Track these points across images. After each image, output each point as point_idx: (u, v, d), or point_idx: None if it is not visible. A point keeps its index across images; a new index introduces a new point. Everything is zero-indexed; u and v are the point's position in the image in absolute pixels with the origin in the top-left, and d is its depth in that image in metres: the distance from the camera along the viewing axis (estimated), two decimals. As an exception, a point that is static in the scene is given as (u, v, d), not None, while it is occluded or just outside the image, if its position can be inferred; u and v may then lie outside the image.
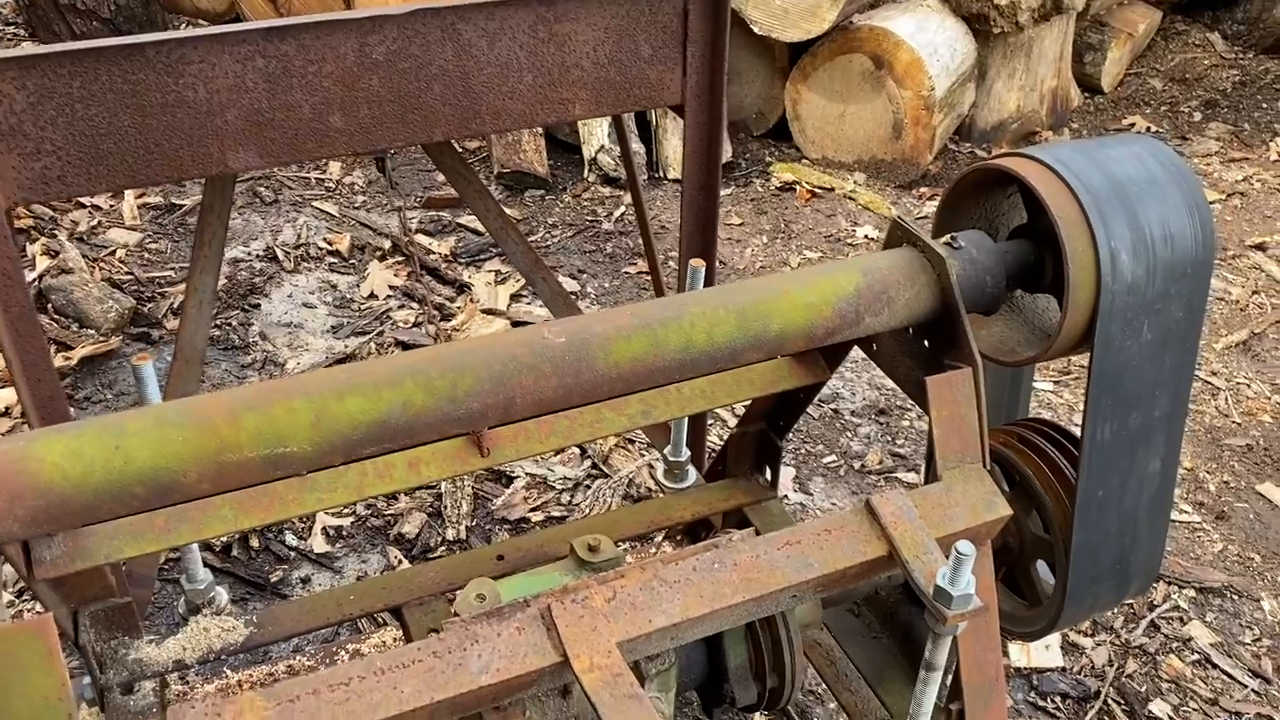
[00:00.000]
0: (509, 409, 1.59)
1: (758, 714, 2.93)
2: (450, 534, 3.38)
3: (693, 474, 2.66)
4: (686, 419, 2.58)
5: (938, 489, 1.84)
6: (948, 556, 1.62)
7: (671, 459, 2.61)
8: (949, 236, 1.90)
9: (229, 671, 2.93)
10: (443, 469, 1.96)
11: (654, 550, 2.49)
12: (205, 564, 3.29)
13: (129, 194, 5.04)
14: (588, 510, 3.49)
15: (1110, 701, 3.09)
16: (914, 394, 2.02)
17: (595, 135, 5.52)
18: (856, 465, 3.87)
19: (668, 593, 1.65)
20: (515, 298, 4.60)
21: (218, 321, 4.34)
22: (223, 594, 2.26)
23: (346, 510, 3.46)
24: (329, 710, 1.46)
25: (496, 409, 1.58)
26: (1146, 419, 1.99)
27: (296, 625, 2.22)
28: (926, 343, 1.98)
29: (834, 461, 3.88)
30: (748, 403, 2.47)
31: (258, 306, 4.47)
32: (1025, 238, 1.97)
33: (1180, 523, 3.77)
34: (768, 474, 2.62)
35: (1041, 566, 2.25)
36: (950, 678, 1.97)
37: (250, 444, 1.47)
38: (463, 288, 4.59)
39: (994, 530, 1.87)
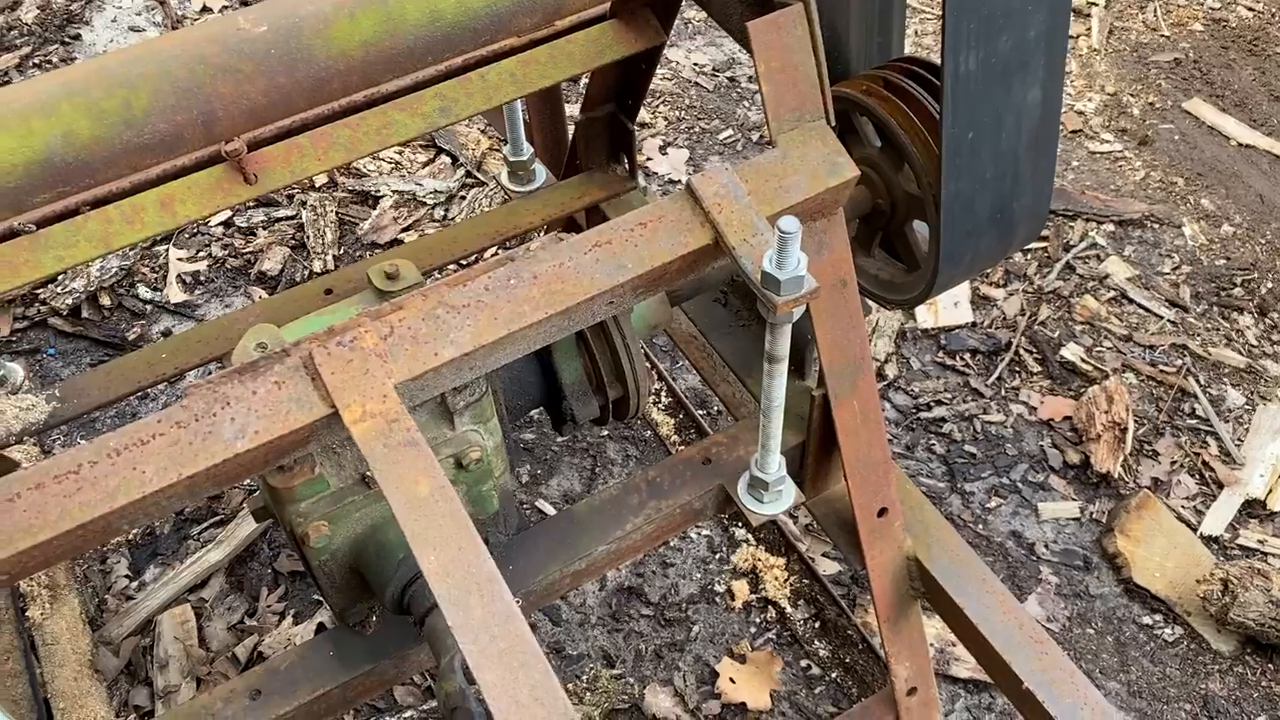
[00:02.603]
0: (211, 125, 1.29)
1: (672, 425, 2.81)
2: (317, 265, 3.12)
3: (542, 174, 2.37)
4: (520, 111, 2.25)
5: (772, 157, 1.57)
6: (783, 235, 1.38)
7: (513, 159, 2.31)
8: None
9: (83, 441, 2.77)
10: (202, 205, 1.65)
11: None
12: (56, 330, 3.07)
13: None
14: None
15: (1021, 352, 2.99)
16: (748, 45, 1.70)
17: None
18: (755, 137, 3.56)
19: (455, 320, 1.42)
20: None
21: (35, 59, 3.84)
22: (17, 370, 2.03)
23: (201, 253, 3.18)
24: (57, 504, 1.26)
25: (193, 127, 1.28)
26: (1019, 41, 1.69)
27: (105, 394, 2.01)
28: (756, -20, 1.64)
29: (731, 136, 3.57)
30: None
31: (78, 38, 3.95)
32: None
33: (1100, 154, 3.54)
34: (625, 163, 2.34)
35: (921, 226, 2.03)
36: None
37: (-127, 211, 1.17)
38: (305, -13, 4.05)
39: (841, 196, 1.61)
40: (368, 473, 1.52)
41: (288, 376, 1.36)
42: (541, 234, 2.54)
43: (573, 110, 3.32)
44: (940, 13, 1.60)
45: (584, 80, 2.90)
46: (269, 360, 1.37)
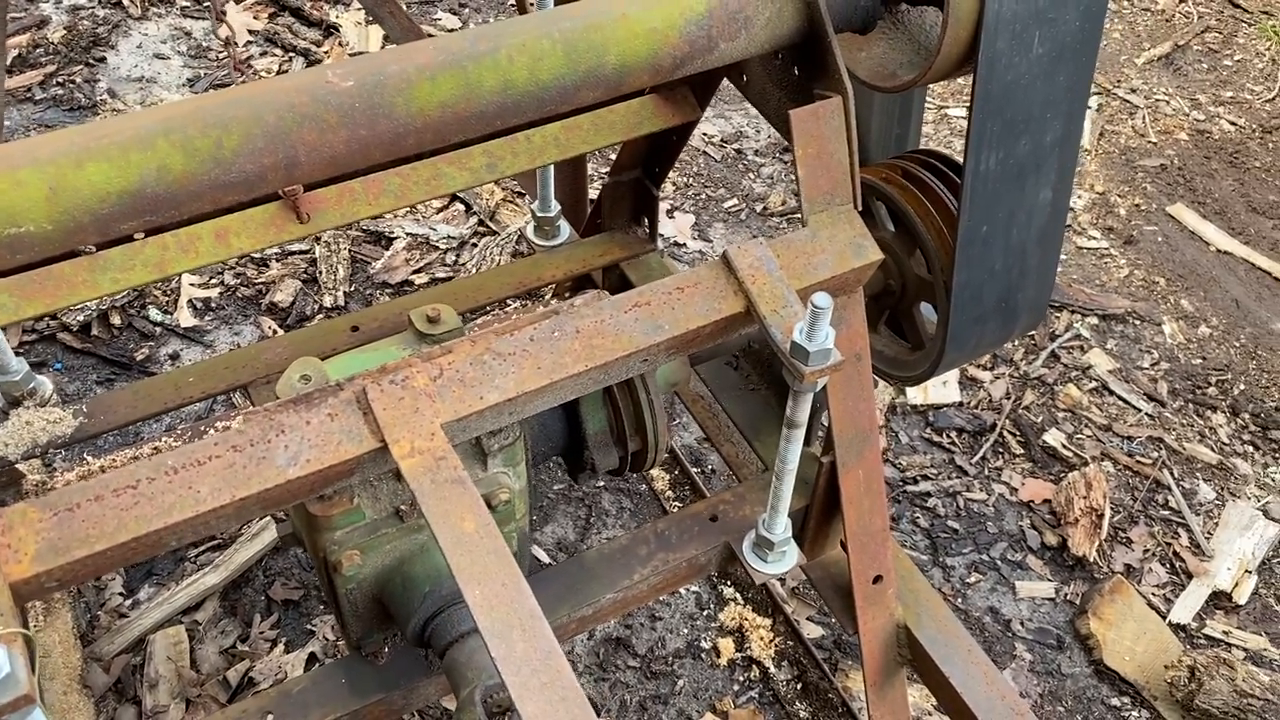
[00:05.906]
0: (292, 169, 1.36)
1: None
2: (327, 300, 3.19)
3: (565, 230, 2.46)
4: (552, 170, 2.35)
5: (802, 236, 1.67)
6: (811, 309, 1.48)
7: (540, 214, 2.41)
8: (815, -60, 1.63)
9: (89, 458, 2.80)
10: (255, 239, 1.74)
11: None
12: (64, 345, 3.11)
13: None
14: (474, 270, 3.30)
15: (1005, 434, 3.10)
16: (784, 130, 1.81)
17: None
18: (758, 208, 3.69)
19: (501, 366, 1.49)
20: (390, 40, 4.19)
21: (59, 79, 3.92)
22: (46, 384, 2.07)
23: (213, 280, 3.24)
24: (114, 517, 1.31)
25: (276, 170, 1.35)
26: (1036, 145, 1.81)
27: (131, 413, 2.06)
28: (797, 70, 1.75)
29: (735, 205, 3.70)
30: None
31: (103, 60, 4.02)
32: (906, -61, 1.71)
33: (1087, 249, 3.70)
34: (646, 225, 2.44)
35: (927, 308, 2.14)
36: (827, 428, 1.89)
37: (-27, 226, 1.24)
38: (330, 29, 4.16)
39: (864, 277, 1.72)
40: (402, 506, 1.59)
41: (341, 409, 1.42)
42: (560, 287, 2.63)
43: (592, 168, 3.42)
44: (966, 113, 1.71)
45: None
46: (323, 393, 1.44)
